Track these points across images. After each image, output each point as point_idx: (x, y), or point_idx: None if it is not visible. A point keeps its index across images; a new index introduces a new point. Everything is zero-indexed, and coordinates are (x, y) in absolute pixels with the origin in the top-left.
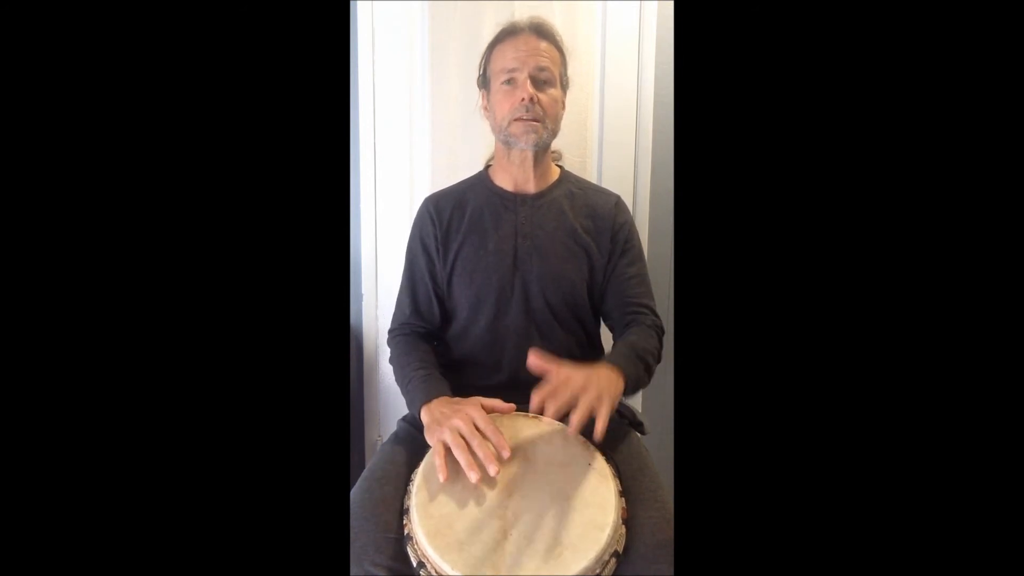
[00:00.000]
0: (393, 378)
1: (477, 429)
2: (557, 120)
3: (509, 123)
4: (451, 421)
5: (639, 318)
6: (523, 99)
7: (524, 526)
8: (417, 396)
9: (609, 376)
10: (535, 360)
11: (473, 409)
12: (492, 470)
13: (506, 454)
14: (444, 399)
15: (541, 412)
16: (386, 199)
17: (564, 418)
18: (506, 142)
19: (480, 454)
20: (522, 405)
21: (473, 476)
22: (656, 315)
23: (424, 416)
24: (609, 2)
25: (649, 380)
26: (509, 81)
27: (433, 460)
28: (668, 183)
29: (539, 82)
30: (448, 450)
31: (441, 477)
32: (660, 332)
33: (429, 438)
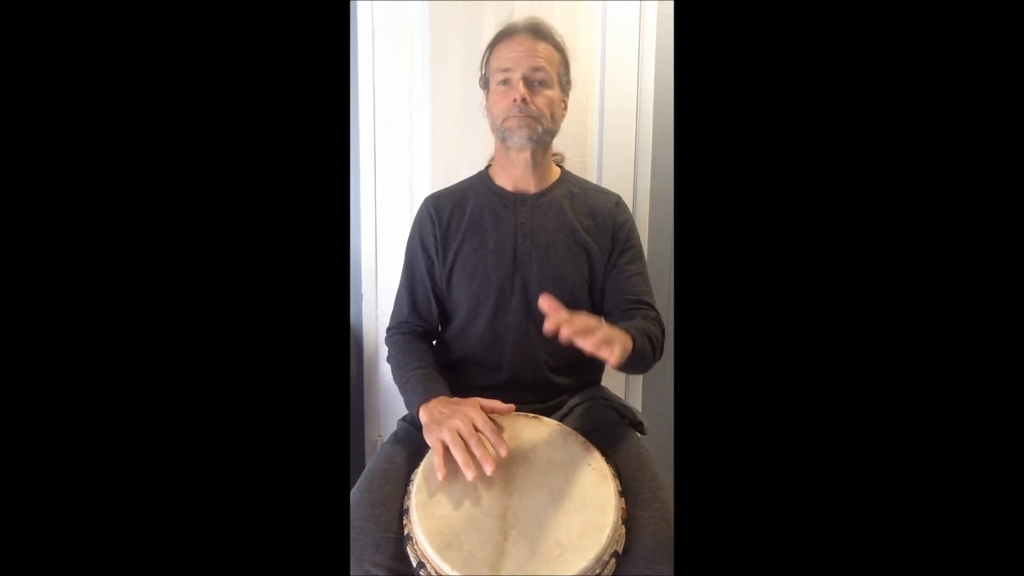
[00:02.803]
0: (393, 378)
1: (476, 429)
2: (555, 119)
3: (504, 120)
4: (450, 421)
5: (640, 313)
6: (515, 100)
7: (524, 526)
8: (415, 396)
9: (620, 330)
10: (547, 303)
11: (472, 409)
12: (488, 469)
13: (503, 452)
14: (443, 399)
15: (555, 335)
16: (386, 199)
17: (563, 419)
18: (502, 138)
19: (477, 453)
20: (521, 406)
21: (469, 474)
22: (656, 312)
23: (423, 416)
24: (609, 2)
25: (654, 361)
26: (504, 81)
27: (432, 456)
28: (668, 183)
29: (533, 82)
30: (447, 449)
31: (439, 475)
32: (661, 326)
33: (428, 438)
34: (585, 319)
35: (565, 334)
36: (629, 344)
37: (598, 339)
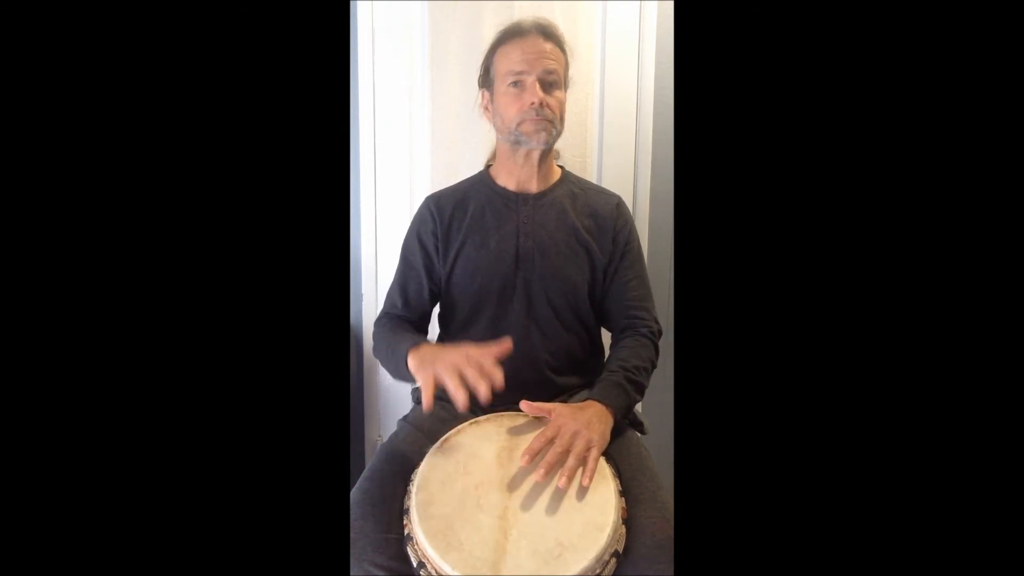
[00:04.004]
0: (392, 378)
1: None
2: (563, 120)
3: (519, 123)
4: (447, 356)
5: (636, 324)
6: (533, 103)
7: (524, 526)
8: (403, 346)
9: (600, 416)
10: (527, 409)
11: (467, 347)
12: (482, 393)
13: (499, 380)
14: (432, 344)
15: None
16: (386, 199)
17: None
18: (516, 141)
19: (471, 380)
20: (517, 394)
21: (460, 398)
22: (655, 319)
23: (412, 359)
24: (609, 2)
25: (642, 396)
26: (516, 83)
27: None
28: (668, 183)
29: (547, 84)
30: (437, 389)
31: (424, 409)
32: (657, 337)
33: (419, 376)
34: (560, 442)
35: (541, 475)
36: (610, 423)
37: (572, 469)
